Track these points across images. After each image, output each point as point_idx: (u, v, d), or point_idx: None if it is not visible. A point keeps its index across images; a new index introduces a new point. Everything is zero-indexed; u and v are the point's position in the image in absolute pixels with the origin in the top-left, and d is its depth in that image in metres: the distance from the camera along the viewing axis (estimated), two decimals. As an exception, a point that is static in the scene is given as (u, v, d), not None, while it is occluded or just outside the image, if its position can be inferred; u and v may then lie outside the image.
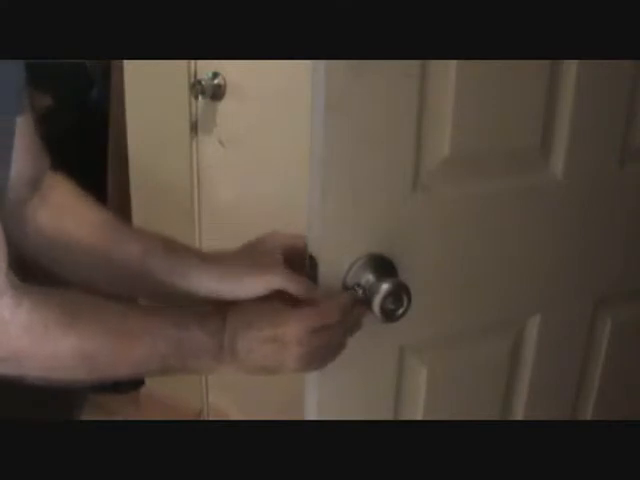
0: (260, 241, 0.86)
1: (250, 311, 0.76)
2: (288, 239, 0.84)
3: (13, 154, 0.76)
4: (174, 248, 0.82)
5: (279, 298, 0.77)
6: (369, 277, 0.81)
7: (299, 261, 0.81)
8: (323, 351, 0.77)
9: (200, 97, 1.72)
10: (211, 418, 2.01)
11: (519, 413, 1.04)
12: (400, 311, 0.80)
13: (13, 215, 0.80)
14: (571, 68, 0.88)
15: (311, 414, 0.86)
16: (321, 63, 0.73)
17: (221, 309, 0.76)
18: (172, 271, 0.79)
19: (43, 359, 0.67)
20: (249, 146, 1.69)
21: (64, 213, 0.84)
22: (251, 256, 0.83)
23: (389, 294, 0.79)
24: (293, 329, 0.74)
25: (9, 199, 0.79)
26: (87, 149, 1.99)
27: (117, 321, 0.71)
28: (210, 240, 1.87)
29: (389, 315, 0.80)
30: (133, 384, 2.10)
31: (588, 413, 1.11)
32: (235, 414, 1.93)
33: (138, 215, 1.97)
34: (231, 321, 0.74)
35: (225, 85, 1.69)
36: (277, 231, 0.86)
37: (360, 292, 0.80)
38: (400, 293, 0.79)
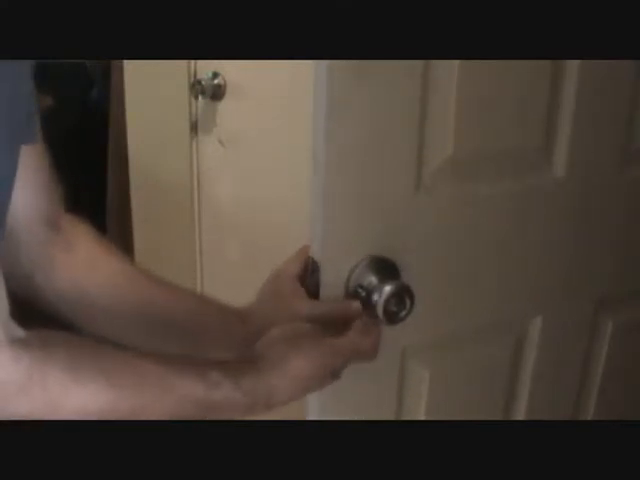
0: (276, 278, 0.84)
1: (292, 363, 0.73)
2: (299, 263, 0.83)
3: (19, 185, 0.74)
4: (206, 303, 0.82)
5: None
6: (372, 279, 0.80)
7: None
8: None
9: (200, 97, 1.72)
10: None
11: (520, 414, 1.04)
12: (403, 313, 0.80)
13: (32, 257, 0.80)
14: (573, 68, 0.88)
15: (312, 415, 0.86)
16: (323, 63, 0.73)
17: (259, 363, 0.72)
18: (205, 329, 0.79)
19: (45, 417, 0.63)
20: (249, 146, 1.69)
21: (93, 262, 0.83)
22: (273, 301, 0.82)
23: (392, 296, 0.78)
24: (329, 363, 0.74)
25: (26, 241, 0.78)
26: (87, 149, 1.99)
27: (132, 380, 0.65)
28: (210, 240, 1.87)
29: (392, 317, 0.79)
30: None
31: (589, 414, 1.11)
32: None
33: (138, 215, 1.97)
34: (271, 378, 0.71)
35: (225, 85, 1.69)
36: (287, 261, 0.84)
37: (363, 294, 0.80)
38: (403, 295, 0.79)
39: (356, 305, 0.80)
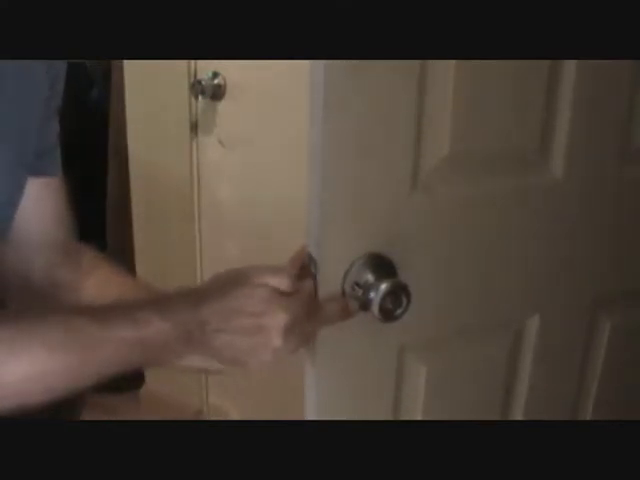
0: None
1: (228, 299, 0.72)
2: (296, 265, 0.81)
3: (36, 213, 0.79)
4: None
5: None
6: (368, 277, 0.81)
7: None
8: (298, 342, 0.75)
9: (200, 97, 1.72)
10: (211, 418, 2.01)
11: (518, 413, 1.04)
12: (399, 311, 0.80)
13: (45, 280, 0.83)
14: (570, 68, 0.88)
15: (311, 413, 0.86)
16: (319, 63, 0.73)
17: (192, 296, 0.73)
18: None
19: None
20: (249, 146, 1.69)
21: (104, 285, 0.85)
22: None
23: (388, 294, 0.79)
24: (278, 320, 0.71)
25: (40, 264, 0.82)
26: (87, 149, 1.99)
27: (64, 339, 0.67)
28: (210, 240, 1.87)
29: (388, 315, 0.80)
30: (133, 384, 2.11)
31: (587, 413, 1.11)
32: (235, 414, 1.93)
33: (138, 215, 1.97)
34: (205, 309, 0.71)
35: (225, 85, 1.70)
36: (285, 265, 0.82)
37: (359, 292, 0.80)
38: (399, 293, 0.79)
39: (352, 305, 0.80)
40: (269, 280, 0.73)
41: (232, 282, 0.73)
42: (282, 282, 0.74)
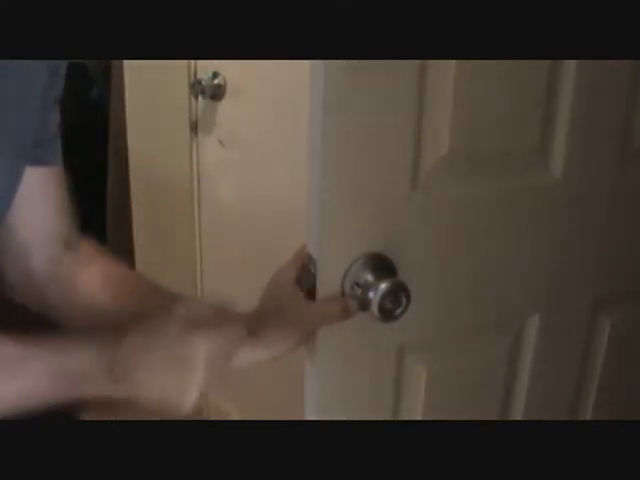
0: (274, 285, 0.83)
1: (152, 331, 0.70)
2: (296, 266, 0.82)
3: (36, 203, 0.77)
4: None
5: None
6: (368, 276, 0.81)
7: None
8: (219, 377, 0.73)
9: (200, 97, 1.72)
10: (211, 418, 2.01)
11: (518, 413, 1.04)
12: (399, 311, 0.80)
13: (45, 273, 0.82)
14: (570, 67, 0.88)
15: (310, 413, 0.86)
16: (319, 63, 0.73)
17: (122, 328, 0.70)
18: None
19: None
20: (249, 146, 1.69)
21: (105, 279, 0.84)
22: (275, 308, 0.80)
23: (387, 293, 0.79)
24: (196, 350, 0.69)
25: (40, 257, 0.81)
26: (87, 149, 1.99)
27: None
28: (210, 240, 1.87)
29: (388, 315, 0.80)
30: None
31: (587, 413, 1.11)
32: (235, 414, 1.93)
33: (138, 215, 1.97)
34: (130, 341, 0.69)
35: (225, 85, 1.70)
36: (284, 266, 0.83)
37: (359, 291, 0.80)
38: (399, 292, 0.79)
39: (351, 305, 0.80)
40: (189, 310, 0.71)
41: (152, 316, 0.71)
42: (202, 312, 0.72)
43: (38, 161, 0.79)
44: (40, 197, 0.81)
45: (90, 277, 0.84)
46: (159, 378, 0.69)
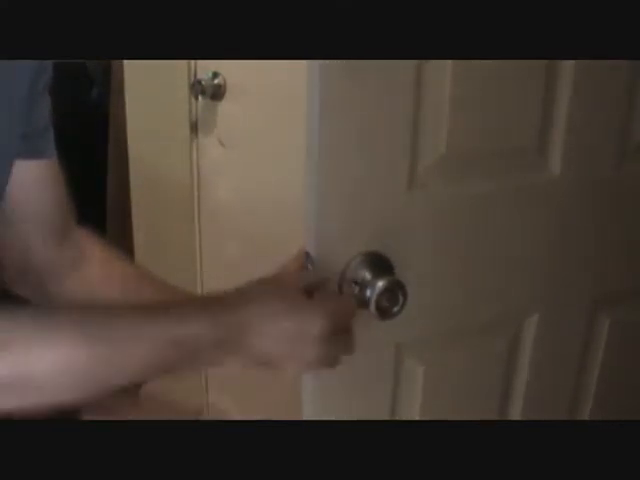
0: (275, 282, 0.81)
1: (270, 303, 0.71)
2: (296, 267, 0.82)
3: (33, 196, 0.77)
4: None
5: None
6: (365, 275, 0.81)
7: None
8: (335, 354, 0.74)
9: (200, 97, 1.72)
10: (211, 418, 2.01)
11: (516, 412, 1.04)
12: (396, 309, 0.80)
13: (44, 266, 0.82)
14: (568, 66, 0.88)
15: (308, 412, 0.86)
16: (316, 63, 0.73)
17: (232, 298, 0.71)
18: None
19: (19, 384, 0.61)
20: (249, 146, 1.69)
21: (105, 272, 0.84)
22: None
23: (384, 291, 0.79)
24: (317, 327, 0.69)
25: (39, 250, 0.80)
26: (87, 149, 1.99)
27: (103, 331, 0.64)
28: (210, 240, 1.87)
29: (385, 312, 0.80)
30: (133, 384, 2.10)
31: (585, 413, 1.11)
32: (235, 414, 1.93)
33: (138, 215, 1.97)
34: (245, 311, 0.69)
35: (225, 85, 1.70)
36: (283, 266, 0.82)
37: (356, 289, 0.80)
38: (395, 291, 0.80)
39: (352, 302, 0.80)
40: (311, 286, 0.74)
41: (273, 286, 0.73)
42: (325, 288, 0.74)
43: (30, 154, 0.77)
44: (36, 191, 0.80)
45: (93, 267, 0.84)
46: (274, 349, 0.70)
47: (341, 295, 0.77)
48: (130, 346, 0.66)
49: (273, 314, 0.70)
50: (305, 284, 0.80)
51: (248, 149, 1.70)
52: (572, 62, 0.88)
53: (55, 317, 0.65)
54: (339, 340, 0.72)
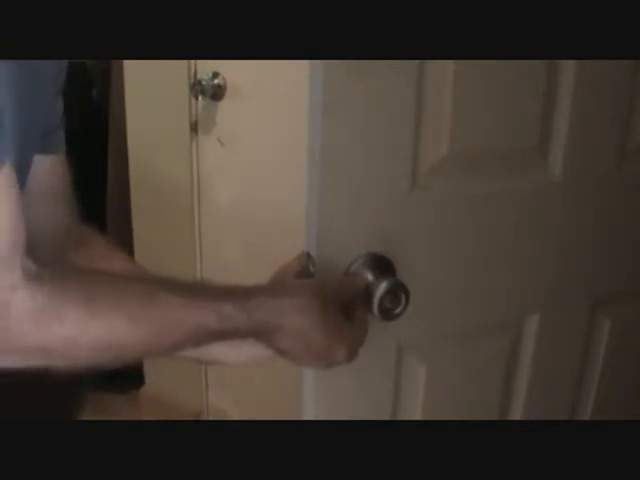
0: (275, 282, 0.84)
1: (307, 316, 0.73)
2: (297, 266, 0.83)
3: (39, 191, 0.77)
4: None
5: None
6: (367, 276, 0.81)
7: None
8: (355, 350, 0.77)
9: (200, 97, 1.72)
10: (211, 418, 2.01)
11: (517, 412, 1.04)
12: (398, 310, 0.80)
13: (51, 262, 0.82)
14: (569, 68, 0.88)
15: (309, 413, 0.86)
16: (319, 63, 0.73)
17: (276, 297, 0.73)
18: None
19: (63, 351, 0.64)
20: (249, 146, 1.69)
21: (109, 268, 0.84)
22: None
23: (387, 293, 0.79)
24: (342, 352, 0.73)
25: (43, 244, 0.80)
26: (87, 149, 1.99)
27: (146, 311, 0.67)
28: (210, 240, 1.87)
29: (387, 314, 0.80)
30: (133, 384, 2.10)
31: (586, 412, 1.11)
32: (235, 414, 1.93)
33: (138, 215, 1.97)
34: (284, 317, 0.72)
35: (225, 85, 1.69)
36: (285, 264, 0.84)
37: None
38: (398, 292, 0.80)
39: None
40: (344, 299, 0.75)
41: (314, 295, 0.73)
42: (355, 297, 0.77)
43: (46, 150, 0.79)
44: (48, 186, 0.81)
45: (94, 266, 0.84)
46: (300, 353, 0.73)
47: (361, 316, 0.78)
48: (176, 329, 0.68)
49: (307, 328, 0.72)
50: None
51: (248, 149, 1.70)
52: (573, 62, 0.88)
53: (103, 289, 0.66)
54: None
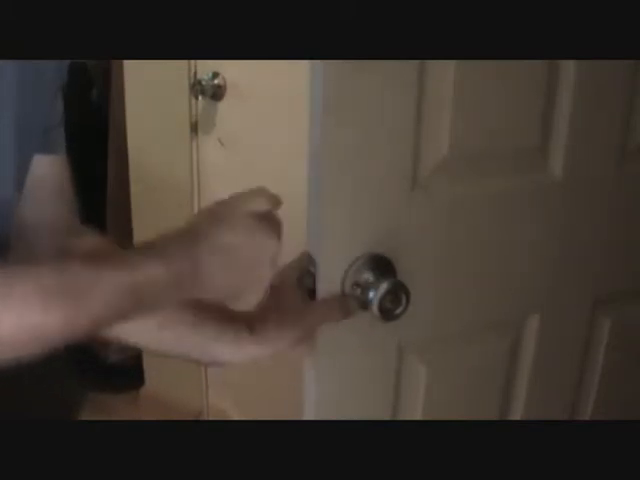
0: (275, 282, 0.78)
1: (220, 235, 0.70)
2: (298, 268, 0.82)
3: (40, 190, 0.77)
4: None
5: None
6: (368, 276, 0.81)
7: None
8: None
9: (200, 97, 1.72)
10: (211, 418, 2.01)
11: (518, 412, 1.04)
12: (398, 310, 0.80)
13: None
14: (569, 67, 0.88)
15: (309, 413, 0.86)
16: (319, 63, 0.73)
17: (183, 237, 0.70)
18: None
19: None
20: (249, 146, 1.69)
21: None
22: (276, 305, 0.78)
23: (387, 293, 0.79)
24: (267, 249, 0.70)
25: (43, 243, 0.80)
26: (87, 149, 1.99)
27: (62, 283, 0.63)
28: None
29: (388, 314, 0.80)
30: (133, 384, 2.11)
31: (587, 413, 1.11)
32: (235, 414, 1.93)
33: (138, 215, 1.97)
34: (196, 249, 0.68)
35: (225, 85, 1.70)
36: (286, 266, 0.81)
37: (359, 291, 0.80)
38: (398, 292, 0.80)
39: (352, 303, 0.80)
40: (250, 206, 0.73)
41: (217, 217, 0.71)
42: (261, 204, 0.73)
43: (46, 149, 0.80)
44: (48, 185, 0.82)
45: None
46: (230, 280, 0.70)
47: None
48: (92, 297, 0.64)
49: (223, 246, 0.69)
50: (305, 284, 0.80)
51: (248, 149, 1.70)
52: (573, 62, 0.88)
53: (20, 272, 0.63)
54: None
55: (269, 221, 0.71)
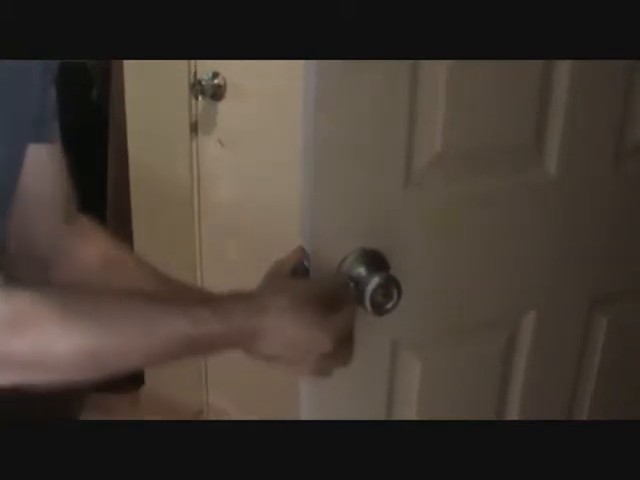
0: (272, 275, 0.84)
1: (285, 315, 0.73)
2: (294, 260, 0.84)
3: (37, 179, 0.78)
4: None
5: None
6: (360, 271, 0.82)
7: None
8: (334, 366, 0.77)
9: (200, 97, 1.72)
10: (211, 418, 2.01)
11: (514, 410, 1.04)
12: (390, 305, 0.81)
13: (48, 248, 0.83)
14: (564, 65, 0.88)
15: (305, 409, 0.87)
16: (312, 63, 0.73)
17: (250, 303, 0.73)
18: None
19: (38, 361, 0.63)
20: (249, 146, 1.69)
21: (106, 255, 0.86)
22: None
23: (379, 287, 0.80)
24: (323, 347, 0.73)
25: (42, 231, 0.82)
26: (87, 149, 1.99)
27: (118, 319, 0.67)
28: (210, 240, 1.87)
29: (379, 308, 0.81)
30: (133, 384, 2.10)
31: (584, 412, 1.11)
32: (235, 414, 1.93)
33: (138, 215, 1.97)
34: (260, 321, 0.72)
35: (225, 85, 1.70)
36: (282, 258, 0.85)
37: (352, 285, 0.81)
38: (390, 286, 0.80)
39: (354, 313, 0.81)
40: (319, 296, 0.75)
41: (290, 295, 0.74)
42: (331, 299, 0.75)
43: (39, 138, 0.80)
44: (42, 173, 0.82)
45: (93, 257, 0.85)
46: (280, 358, 0.74)
47: (346, 307, 0.77)
48: (151, 336, 0.68)
49: (286, 326, 0.72)
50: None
51: (248, 149, 1.70)
52: (569, 61, 0.88)
53: (71, 302, 0.66)
54: (340, 353, 0.75)
55: (332, 318, 0.74)
